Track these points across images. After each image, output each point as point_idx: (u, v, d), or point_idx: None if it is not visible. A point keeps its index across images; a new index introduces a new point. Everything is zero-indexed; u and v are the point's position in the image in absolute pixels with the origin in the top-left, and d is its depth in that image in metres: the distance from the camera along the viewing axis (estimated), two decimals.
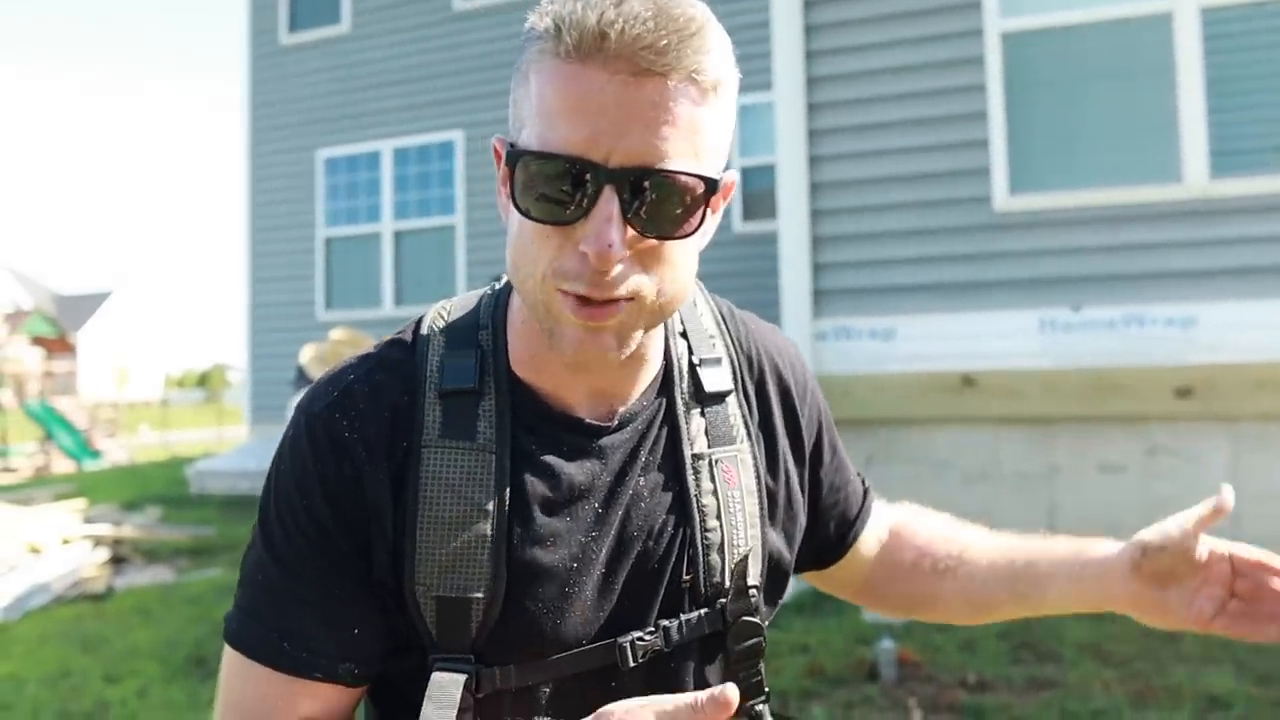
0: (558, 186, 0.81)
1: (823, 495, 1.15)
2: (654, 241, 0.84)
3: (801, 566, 1.18)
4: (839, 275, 6.23)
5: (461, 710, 0.88)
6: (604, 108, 0.79)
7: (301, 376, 5.07)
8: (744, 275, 8.98)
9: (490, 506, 0.90)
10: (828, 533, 1.18)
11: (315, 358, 4.79)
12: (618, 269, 0.82)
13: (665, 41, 0.78)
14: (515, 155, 0.83)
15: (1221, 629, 1.08)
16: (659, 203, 0.81)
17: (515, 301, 0.98)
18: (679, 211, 0.83)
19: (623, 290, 0.83)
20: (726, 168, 0.90)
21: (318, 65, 11.88)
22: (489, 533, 0.90)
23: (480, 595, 0.89)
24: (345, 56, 11.71)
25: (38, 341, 36.65)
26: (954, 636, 4.55)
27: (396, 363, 0.96)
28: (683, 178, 0.81)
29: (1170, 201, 5.67)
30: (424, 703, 0.87)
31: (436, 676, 0.88)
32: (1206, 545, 1.10)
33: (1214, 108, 5.63)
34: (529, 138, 0.83)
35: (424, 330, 0.99)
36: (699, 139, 0.82)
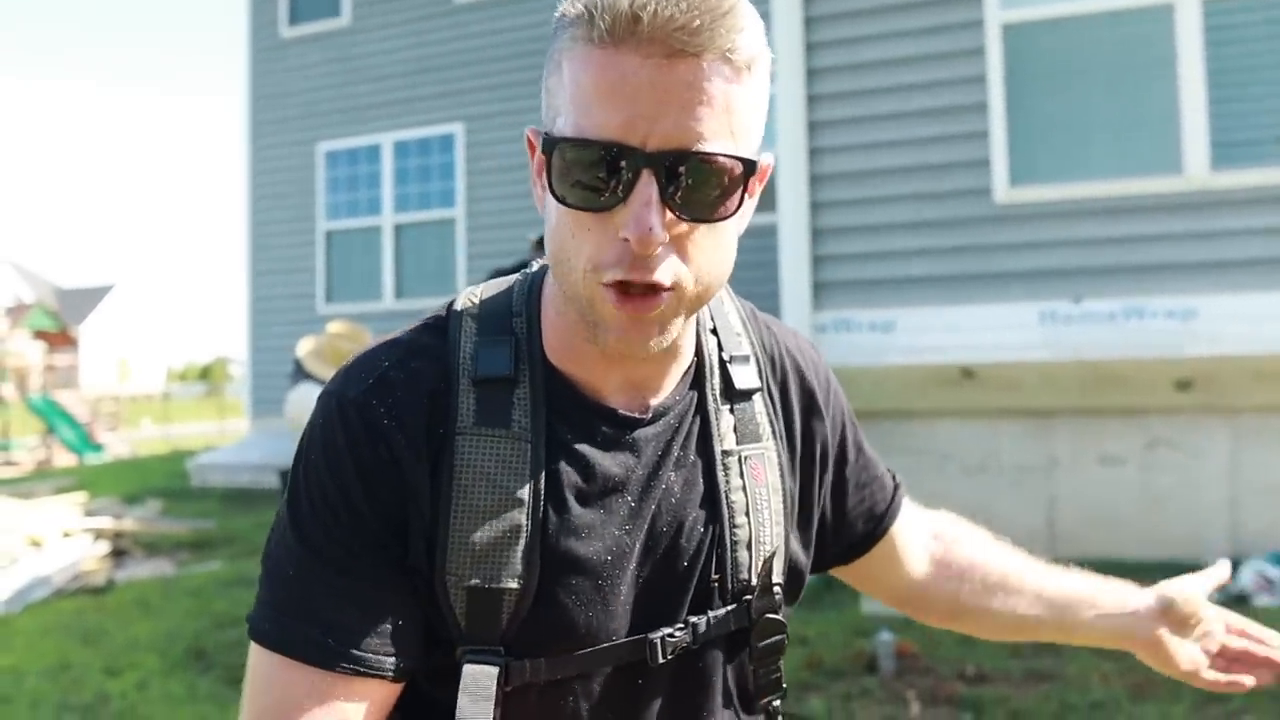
0: (595, 172, 0.80)
1: (848, 493, 1.15)
2: (693, 226, 0.83)
3: (834, 562, 1.20)
4: (839, 267, 6.23)
5: (485, 702, 0.87)
6: (639, 91, 0.78)
7: (299, 370, 5.06)
8: (744, 267, 8.86)
9: (525, 496, 0.89)
10: (855, 530, 1.18)
11: (313, 351, 4.78)
12: (658, 253, 0.81)
13: (698, 22, 0.78)
14: (551, 143, 0.82)
15: (1209, 681, 1.26)
16: (697, 185, 0.81)
17: (550, 289, 0.96)
18: (717, 194, 0.82)
19: (663, 276, 0.82)
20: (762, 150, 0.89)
21: (318, 58, 11.86)
22: (524, 523, 0.89)
23: (513, 586, 0.88)
24: (345, 49, 11.69)
25: (39, 335, 36.68)
26: (952, 630, 4.55)
27: (431, 349, 0.94)
28: (721, 159, 0.81)
29: (1171, 193, 5.66)
30: (459, 694, 0.86)
31: (470, 669, 0.87)
32: (1209, 607, 1.27)
33: (1215, 99, 5.62)
34: (564, 125, 0.82)
35: (455, 317, 0.97)
36: (735, 119, 0.82)
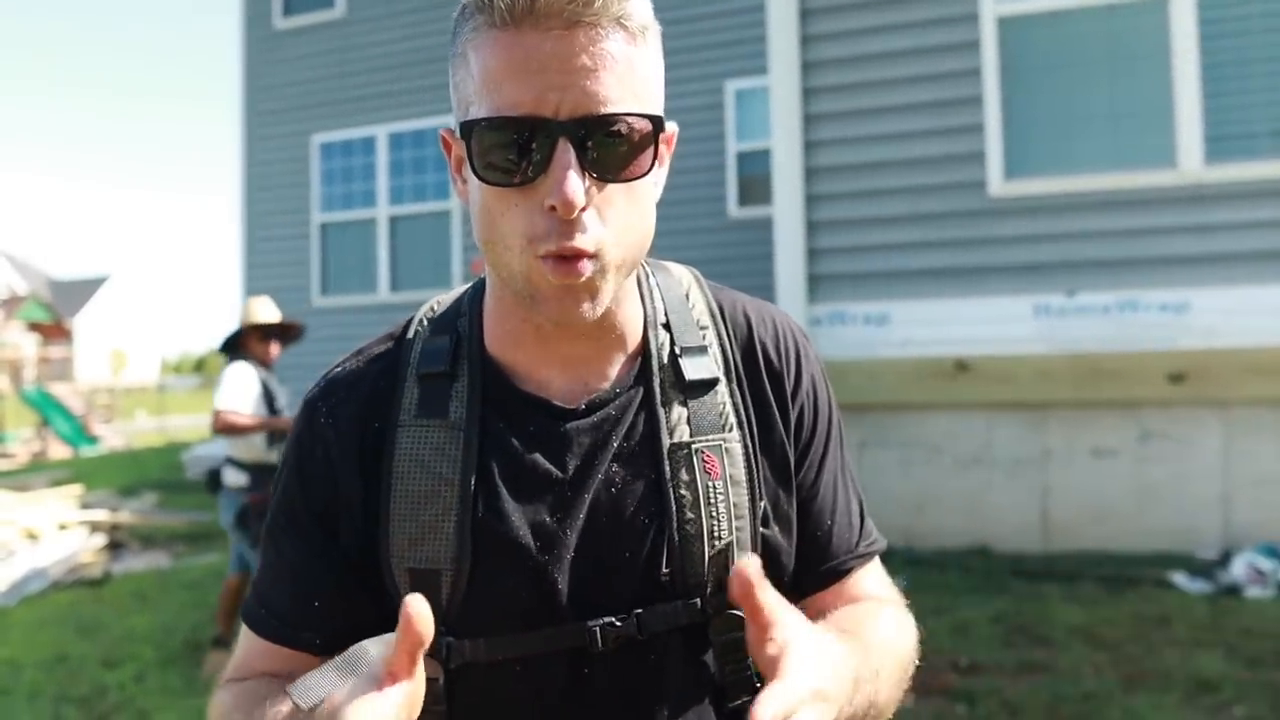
0: (514, 149, 0.84)
1: (786, 505, 1.06)
2: (610, 190, 0.86)
3: None
4: (834, 260, 6.24)
5: (431, 679, 0.89)
6: (544, 64, 0.82)
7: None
8: (739, 260, 8.97)
9: (456, 480, 0.94)
10: (783, 570, 1.06)
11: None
12: (583, 218, 0.84)
13: None
14: (469, 127, 0.86)
15: None
16: (611, 147, 0.85)
17: (490, 283, 1.01)
18: (632, 154, 0.86)
19: (585, 243, 0.84)
20: (669, 121, 0.92)
21: (312, 49, 11.82)
22: (455, 506, 0.94)
23: (448, 568, 0.93)
24: (340, 41, 11.65)
25: (33, 327, 36.60)
26: (946, 621, 4.58)
27: (382, 352, 1.03)
28: (630, 118, 0.85)
29: (1165, 187, 5.68)
30: (373, 639, 0.86)
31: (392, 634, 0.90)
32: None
33: (1209, 93, 5.64)
34: (478, 111, 0.86)
35: (414, 322, 1.05)
36: (637, 82, 0.86)
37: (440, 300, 1.08)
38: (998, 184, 5.95)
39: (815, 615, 1.00)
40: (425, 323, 1.04)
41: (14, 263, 49.27)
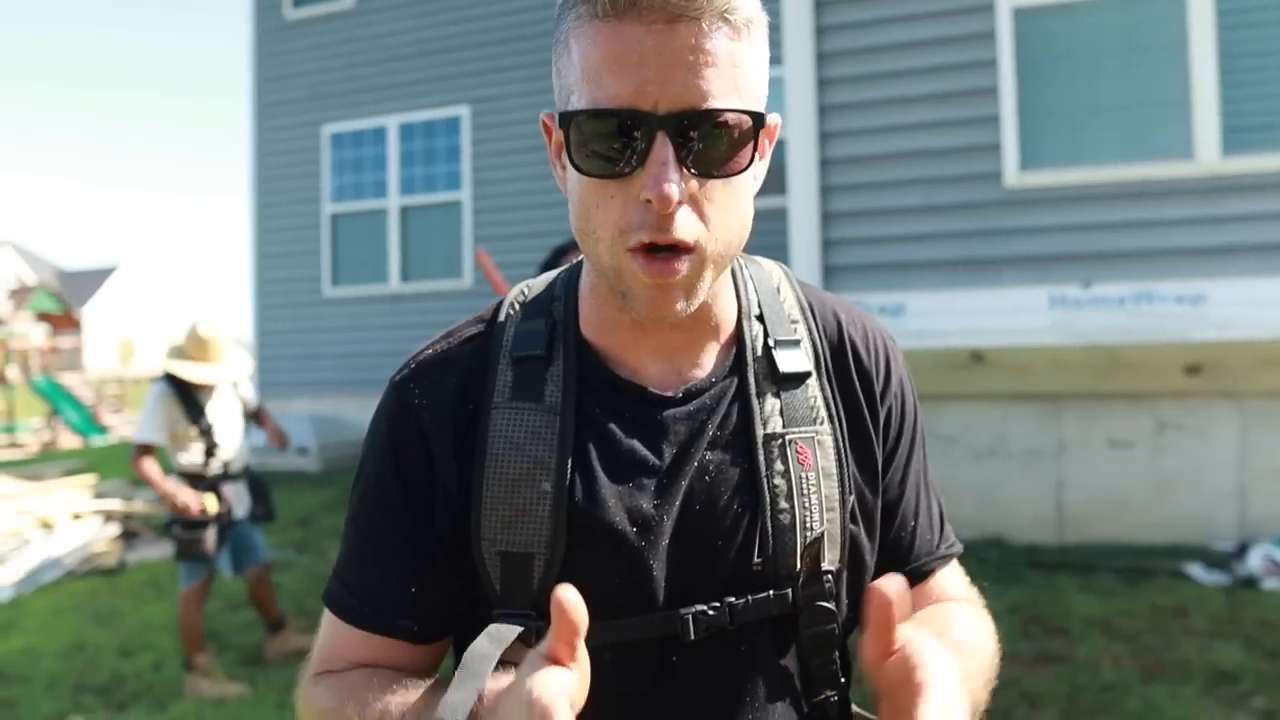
0: (611, 141, 0.84)
1: (872, 503, 1.07)
2: (709, 184, 0.86)
3: None
4: (849, 251, 6.23)
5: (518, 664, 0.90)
6: (645, 58, 0.82)
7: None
8: (754, 250, 8.92)
9: (552, 464, 0.94)
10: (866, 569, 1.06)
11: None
12: (679, 213, 0.84)
13: None
14: (567, 118, 0.86)
15: None
16: (709, 142, 0.84)
17: (586, 269, 1.01)
18: (729, 149, 0.85)
19: (685, 235, 0.84)
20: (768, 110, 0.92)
21: (323, 40, 11.81)
22: (550, 489, 0.93)
23: (541, 551, 0.93)
24: (350, 31, 11.64)
25: (43, 317, 36.71)
26: None
27: (473, 334, 1.03)
28: (730, 114, 0.84)
29: (1182, 178, 5.66)
30: (480, 636, 0.90)
31: (494, 625, 0.91)
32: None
33: (1227, 84, 5.61)
34: (578, 101, 0.86)
35: (504, 305, 1.05)
36: (739, 76, 0.85)
37: (530, 285, 1.07)
38: (1013, 175, 5.93)
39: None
40: (517, 306, 1.03)
41: (23, 253, 49.39)
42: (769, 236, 8.82)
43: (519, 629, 0.91)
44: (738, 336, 1.02)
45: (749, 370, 1.00)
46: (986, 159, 5.99)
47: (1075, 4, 5.94)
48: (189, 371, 4.58)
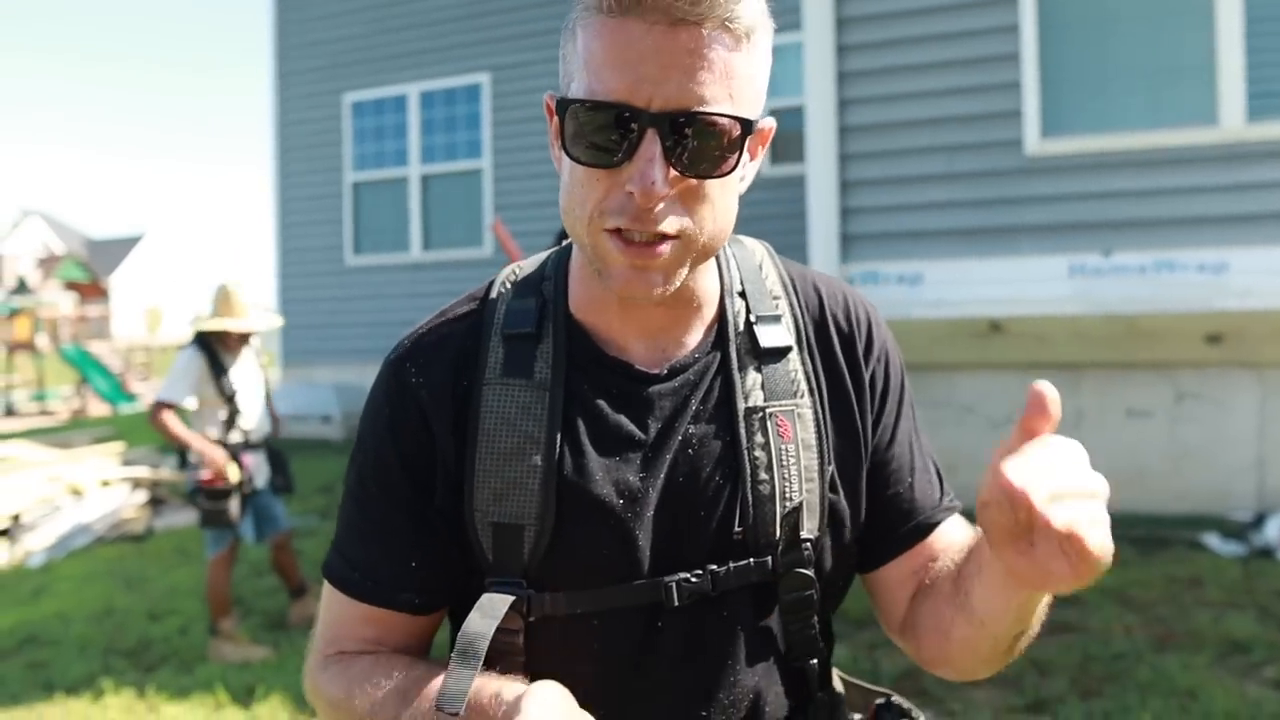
0: (604, 132, 0.87)
1: (873, 472, 1.09)
2: (694, 181, 0.88)
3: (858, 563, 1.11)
4: (867, 220, 6.21)
5: (513, 632, 0.96)
6: (644, 56, 0.84)
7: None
8: (772, 219, 8.88)
9: (542, 438, 0.97)
10: (883, 522, 1.09)
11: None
12: (660, 207, 0.87)
13: None
14: (564, 105, 0.89)
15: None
16: (698, 144, 0.86)
17: (576, 250, 1.05)
18: (717, 152, 0.88)
19: (666, 226, 0.88)
20: (764, 114, 0.95)
21: (344, 8, 11.79)
22: (540, 463, 0.97)
23: (532, 523, 0.96)
24: None
25: (71, 286, 37.04)
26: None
27: (466, 313, 1.06)
28: (720, 119, 0.86)
29: (1205, 145, 5.60)
30: (472, 611, 0.94)
31: (487, 595, 0.96)
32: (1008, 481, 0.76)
33: (1253, 49, 5.52)
34: (577, 89, 0.89)
35: (495, 284, 1.08)
36: (734, 83, 0.87)
37: (521, 265, 1.11)
38: (1034, 142, 5.88)
39: (907, 576, 1.09)
40: (508, 285, 1.07)
41: (51, 222, 49.78)
42: (788, 204, 8.80)
43: (510, 599, 0.95)
44: (720, 314, 1.05)
45: (731, 346, 1.03)
46: (1007, 126, 5.94)
47: None
48: (224, 324, 4.65)
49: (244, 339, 4.83)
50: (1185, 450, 5.63)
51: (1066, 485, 0.77)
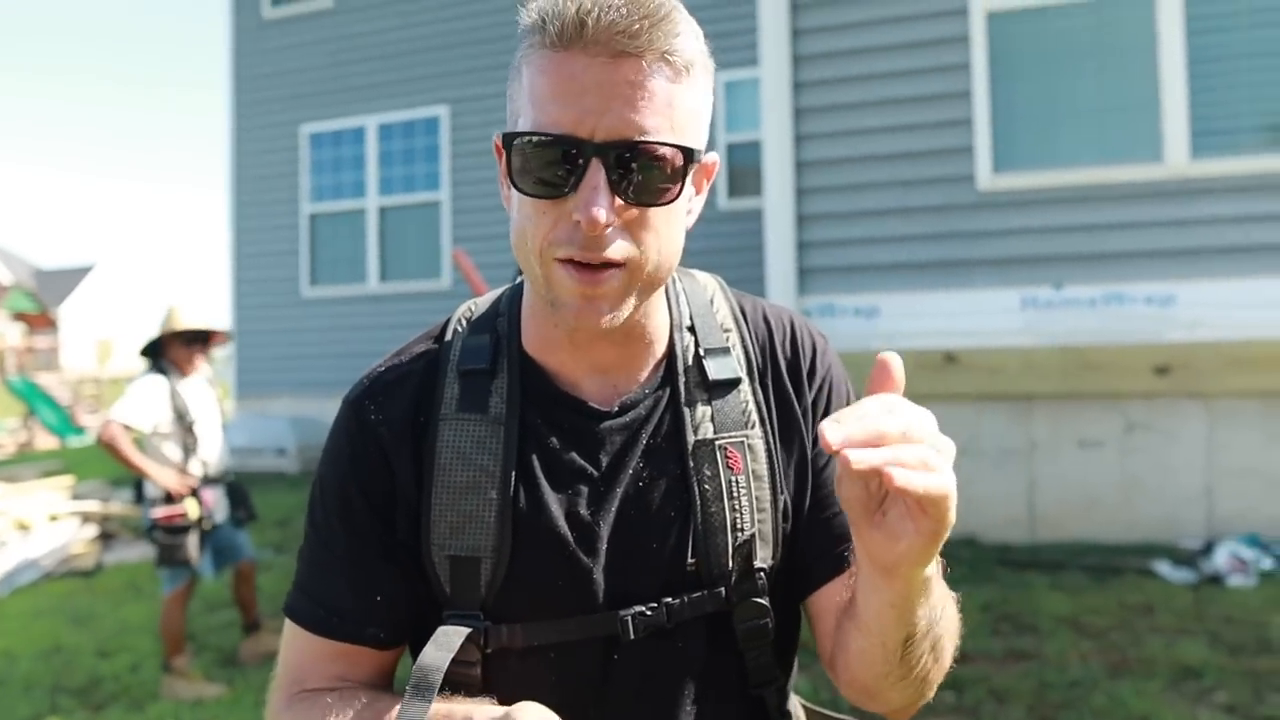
0: (549, 163, 0.88)
1: (809, 492, 1.08)
2: (639, 210, 0.90)
3: (791, 590, 1.08)
4: (824, 253, 6.29)
5: (470, 664, 0.97)
6: (586, 89, 0.87)
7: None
8: (729, 252, 9.00)
9: (497, 472, 0.99)
10: (815, 547, 1.07)
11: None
12: (608, 233, 0.88)
13: (638, 25, 0.86)
14: (510, 138, 0.91)
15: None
16: (642, 173, 0.88)
17: (527, 287, 1.06)
18: (661, 181, 0.89)
19: (613, 253, 0.89)
20: (709, 149, 0.97)
21: (301, 40, 11.79)
22: (495, 497, 0.98)
23: (488, 555, 0.98)
24: (329, 31, 11.62)
25: (19, 317, 36.37)
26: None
27: (423, 351, 1.07)
28: (661, 148, 0.88)
29: (1151, 181, 5.75)
30: (427, 644, 0.95)
31: (442, 627, 0.97)
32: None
33: (1195, 88, 5.70)
34: (523, 124, 0.91)
35: (451, 321, 1.09)
36: (675, 114, 0.89)
37: (476, 303, 1.12)
38: (986, 178, 6.00)
39: (841, 599, 1.02)
40: (463, 322, 1.09)
41: None
42: (746, 238, 8.89)
43: (466, 630, 0.96)
44: (670, 349, 1.07)
45: (679, 380, 1.05)
46: (960, 162, 6.06)
47: (1047, 8, 6.01)
48: (182, 324, 4.57)
49: (201, 354, 4.74)
50: (1135, 479, 5.73)
51: (888, 430, 0.74)
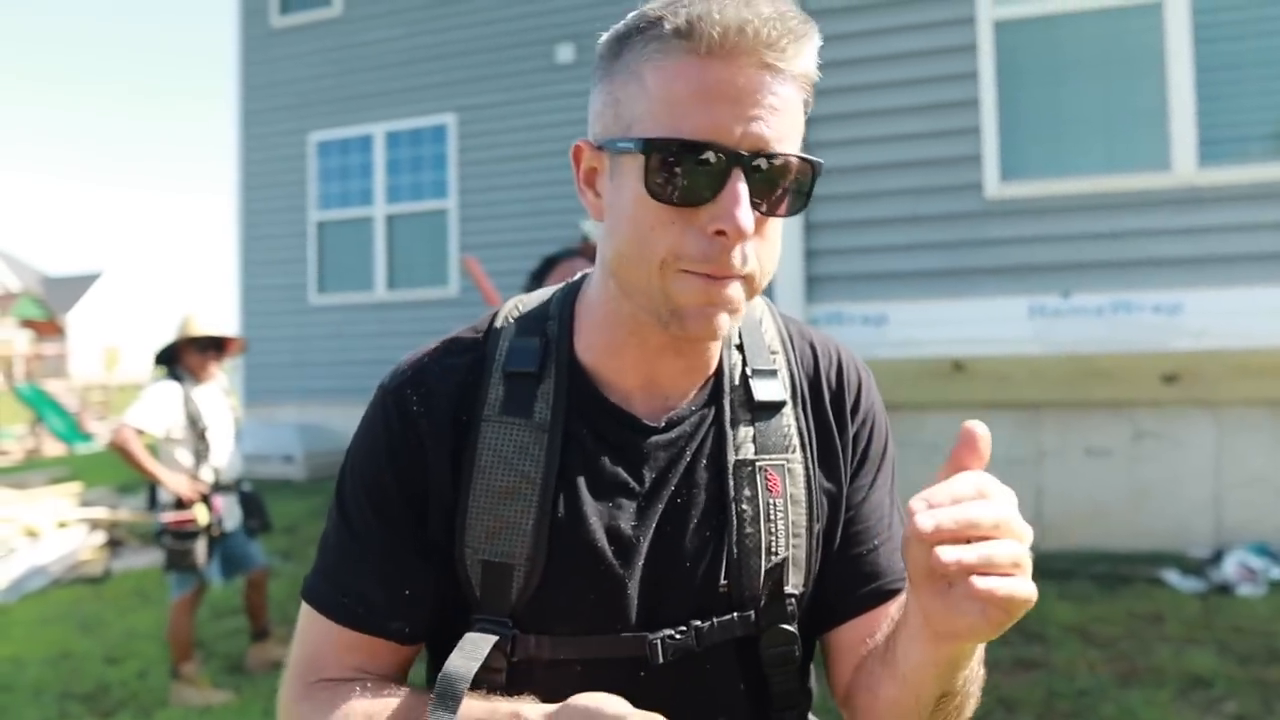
0: (689, 170, 0.87)
1: (840, 526, 1.07)
2: (768, 221, 0.91)
3: (813, 622, 1.08)
4: (832, 261, 6.29)
5: (495, 671, 0.95)
6: (733, 97, 0.86)
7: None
8: None
9: (538, 480, 0.97)
10: (841, 581, 1.06)
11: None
12: (740, 245, 0.88)
13: (786, 40, 0.88)
14: (649, 144, 0.88)
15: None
16: (778, 183, 0.89)
17: (591, 294, 1.04)
18: (794, 192, 0.91)
19: (743, 266, 0.89)
20: None
21: (309, 48, 11.82)
22: (534, 504, 0.96)
23: (522, 564, 0.96)
24: (337, 39, 11.65)
25: (27, 324, 36.49)
26: None
27: (468, 345, 1.05)
28: (800, 161, 0.90)
29: (1159, 189, 5.74)
30: (454, 651, 0.93)
31: (470, 633, 0.96)
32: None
33: (1203, 96, 5.70)
34: (649, 130, 0.88)
35: (498, 318, 1.07)
36: (797, 128, 0.91)
37: (524, 300, 1.10)
38: (994, 186, 6.01)
39: (859, 642, 1.05)
40: (511, 321, 1.06)
41: (7, 259, 49.13)
42: None
43: (494, 639, 0.94)
44: (719, 366, 1.05)
45: (725, 399, 1.03)
46: (967, 170, 6.07)
47: (1055, 17, 6.02)
48: (199, 329, 4.60)
49: (216, 361, 4.77)
50: (1144, 488, 5.72)
51: (982, 521, 0.73)
